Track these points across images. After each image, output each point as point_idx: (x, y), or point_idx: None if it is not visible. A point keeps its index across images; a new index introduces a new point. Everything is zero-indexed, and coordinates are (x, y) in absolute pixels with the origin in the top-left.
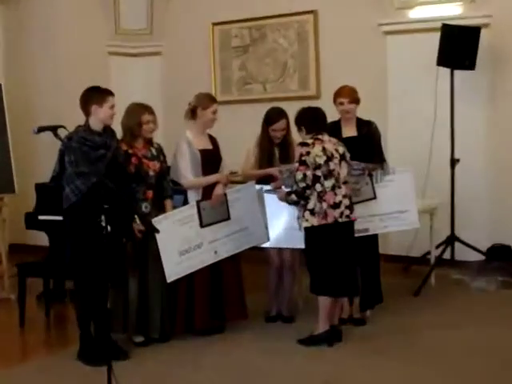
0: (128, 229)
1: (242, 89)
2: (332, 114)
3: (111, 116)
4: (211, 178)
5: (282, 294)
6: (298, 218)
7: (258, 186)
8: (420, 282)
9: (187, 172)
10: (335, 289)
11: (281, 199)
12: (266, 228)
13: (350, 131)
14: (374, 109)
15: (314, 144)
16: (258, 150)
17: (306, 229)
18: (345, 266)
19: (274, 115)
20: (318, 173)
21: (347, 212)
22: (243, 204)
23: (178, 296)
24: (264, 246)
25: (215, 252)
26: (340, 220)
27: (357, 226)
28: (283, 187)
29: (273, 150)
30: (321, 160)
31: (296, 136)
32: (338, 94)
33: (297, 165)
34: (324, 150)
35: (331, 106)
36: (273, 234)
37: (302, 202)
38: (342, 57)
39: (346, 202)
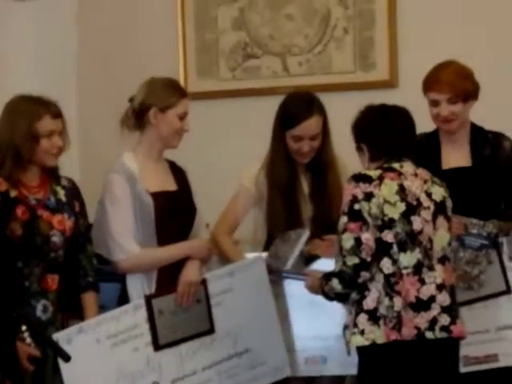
0: (7, 353)
1: (239, 67)
2: (421, 120)
3: None
4: (176, 250)
5: None
6: (346, 327)
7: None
8: None
9: (126, 238)
10: None
11: (311, 289)
12: (290, 350)
13: (456, 156)
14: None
15: (382, 179)
16: (265, 179)
17: (360, 350)
18: None
19: (298, 108)
20: (388, 237)
21: (445, 319)
22: (241, 300)
23: None
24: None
25: None
26: (429, 335)
27: (468, 351)
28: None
29: (296, 178)
30: (394, 212)
31: (351, 156)
32: (432, 83)
33: (344, 220)
34: (402, 191)
35: (419, 104)
36: (300, 352)
37: (354, 296)
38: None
39: (445, 299)
